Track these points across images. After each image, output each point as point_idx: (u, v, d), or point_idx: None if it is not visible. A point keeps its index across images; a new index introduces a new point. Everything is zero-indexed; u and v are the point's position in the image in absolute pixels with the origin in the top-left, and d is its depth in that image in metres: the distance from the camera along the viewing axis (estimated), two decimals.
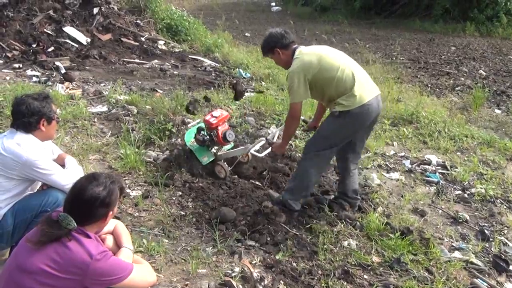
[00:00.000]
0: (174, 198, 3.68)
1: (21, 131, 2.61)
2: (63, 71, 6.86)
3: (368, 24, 18.23)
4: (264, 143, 3.87)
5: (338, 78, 3.17)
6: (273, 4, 24.90)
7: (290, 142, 5.05)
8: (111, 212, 2.03)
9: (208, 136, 4.00)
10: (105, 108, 5.56)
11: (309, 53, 3.26)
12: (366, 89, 3.24)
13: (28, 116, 2.59)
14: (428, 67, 10.30)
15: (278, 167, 4.31)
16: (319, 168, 3.50)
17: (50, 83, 6.28)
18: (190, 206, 3.59)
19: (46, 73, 6.82)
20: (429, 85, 8.66)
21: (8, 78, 6.44)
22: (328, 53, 3.30)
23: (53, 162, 2.72)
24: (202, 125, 4.08)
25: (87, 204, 1.93)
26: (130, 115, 5.28)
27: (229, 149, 4.19)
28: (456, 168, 4.77)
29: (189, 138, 4.16)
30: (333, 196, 3.82)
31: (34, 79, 6.51)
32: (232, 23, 15.13)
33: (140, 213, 3.47)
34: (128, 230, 2.40)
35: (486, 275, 3.07)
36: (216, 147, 4.07)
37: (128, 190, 3.74)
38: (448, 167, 4.77)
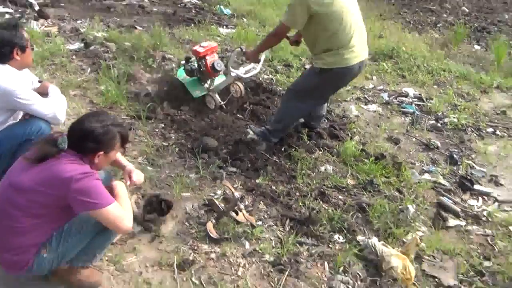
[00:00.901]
0: (156, 130, 3.75)
1: None
2: (36, 8, 6.60)
3: None
4: (239, 53, 3.94)
5: (337, 32, 3.09)
6: None
7: (271, 76, 5.10)
8: (101, 152, 2.04)
9: (196, 66, 4.01)
10: (82, 45, 5.45)
11: None
12: (355, 52, 3.18)
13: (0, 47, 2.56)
14: (412, 4, 10.20)
15: (259, 100, 4.38)
16: (296, 116, 3.63)
17: (24, 20, 6.06)
18: (173, 137, 3.67)
19: (20, 10, 6.55)
20: (412, 22, 8.63)
21: None
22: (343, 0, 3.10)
23: (33, 91, 2.71)
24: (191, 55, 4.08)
25: (80, 134, 2.00)
26: (109, 52, 5.20)
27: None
28: (432, 100, 4.92)
29: (182, 73, 4.20)
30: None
31: (7, 16, 6.27)
32: None
33: None
34: None
35: (452, 194, 3.30)
36: (208, 81, 4.08)
37: None
38: (424, 99, 4.91)
